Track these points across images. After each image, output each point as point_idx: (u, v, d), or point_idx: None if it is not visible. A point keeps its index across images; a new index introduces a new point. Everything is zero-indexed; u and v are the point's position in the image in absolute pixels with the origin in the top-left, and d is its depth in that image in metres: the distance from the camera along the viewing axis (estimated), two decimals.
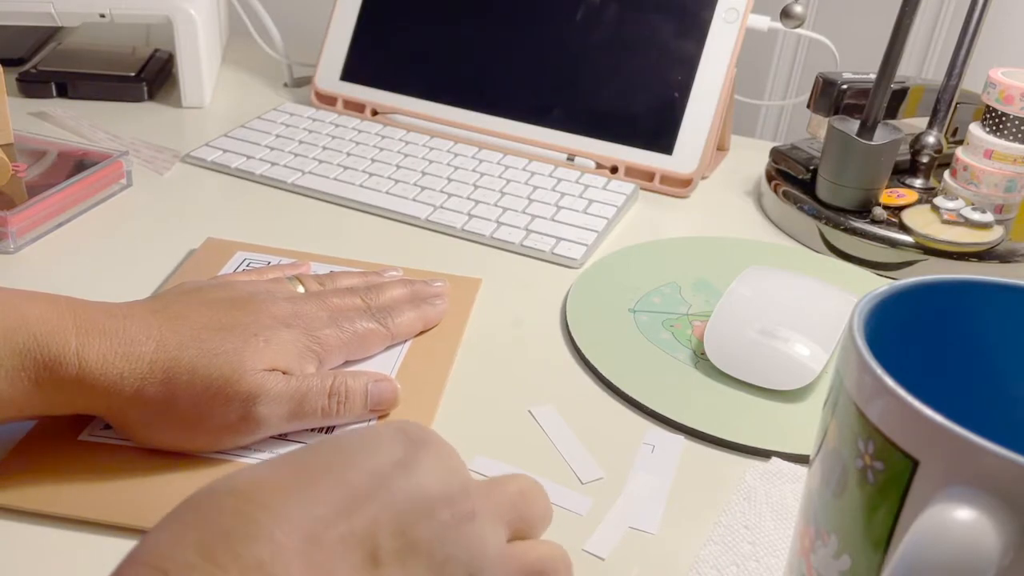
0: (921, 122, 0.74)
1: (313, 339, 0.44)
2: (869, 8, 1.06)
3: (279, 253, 0.58)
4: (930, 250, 0.63)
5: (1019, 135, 0.65)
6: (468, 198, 0.68)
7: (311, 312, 0.45)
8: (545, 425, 0.47)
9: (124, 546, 0.37)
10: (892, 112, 0.73)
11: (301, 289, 0.48)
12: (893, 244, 0.64)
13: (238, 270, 0.56)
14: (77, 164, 0.64)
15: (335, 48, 0.82)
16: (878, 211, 0.66)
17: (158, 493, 0.39)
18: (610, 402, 0.49)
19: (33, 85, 0.81)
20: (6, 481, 0.39)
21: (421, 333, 0.51)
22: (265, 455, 0.42)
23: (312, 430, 0.44)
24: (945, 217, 0.65)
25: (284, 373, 0.42)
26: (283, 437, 0.43)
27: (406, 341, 0.50)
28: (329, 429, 0.44)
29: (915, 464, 0.25)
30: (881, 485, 0.26)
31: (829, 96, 0.72)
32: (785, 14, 0.74)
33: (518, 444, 0.45)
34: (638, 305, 0.57)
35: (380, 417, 0.45)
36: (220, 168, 0.70)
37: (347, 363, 0.48)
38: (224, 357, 0.40)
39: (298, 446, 0.39)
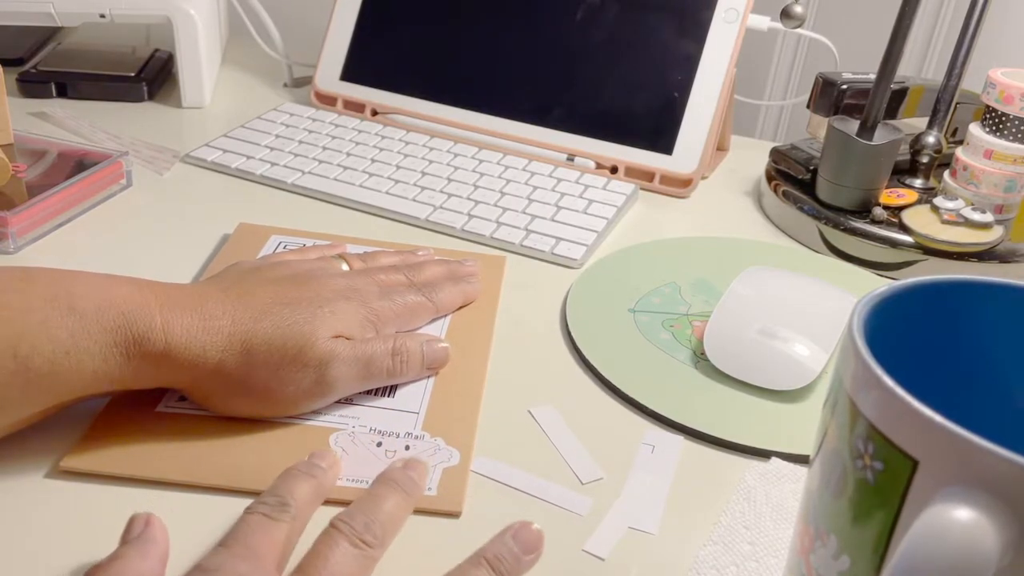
0: (921, 122, 0.74)
1: (370, 310, 0.47)
2: (869, 8, 1.06)
3: (313, 236, 0.60)
4: (930, 250, 0.63)
5: (1019, 135, 0.65)
6: (468, 198, 0.68)
7: (364, 286, 0.48)
8: (545, 425, 0.47)
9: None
10: (892, 112, 0.73)
11: (345, 267, 0.51)
12: (893, 244, 0.64)
13: (275, 252, 0.57)
14: (77, 164, 0.64)
15: (335, 48, 0.82)
16: (878, 211, 0.66)
17: (237, 455, 0.42)
18: (610, 402, 0.49)
19: (33, 85, 0.81)
20: (93, 450, 0.41)
21: (459, 308, 0.55)
22: (331, 418, 0.45)
23: (375, 392, 0.46)
24: (945, 217, 0.65)
25: (348, 339, 0.45)
26: (348, 401, 0.46)
27: (447, 315, 0.53)
28: (392, 390, 0.47)
29: (915, 464, 0.25)
30: (881, 485, 0.26)
31: (829, 96, 0.72)
32: (785, 14, 0.74)
33: (518, 444, 0.45)
34: (638, 305, 0.57)
35: (435, 375, 0.48)
36: (220, 168, 0.70)
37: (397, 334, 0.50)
38: (296, 327, 0.43)
39: (360, 408, 0.45)
